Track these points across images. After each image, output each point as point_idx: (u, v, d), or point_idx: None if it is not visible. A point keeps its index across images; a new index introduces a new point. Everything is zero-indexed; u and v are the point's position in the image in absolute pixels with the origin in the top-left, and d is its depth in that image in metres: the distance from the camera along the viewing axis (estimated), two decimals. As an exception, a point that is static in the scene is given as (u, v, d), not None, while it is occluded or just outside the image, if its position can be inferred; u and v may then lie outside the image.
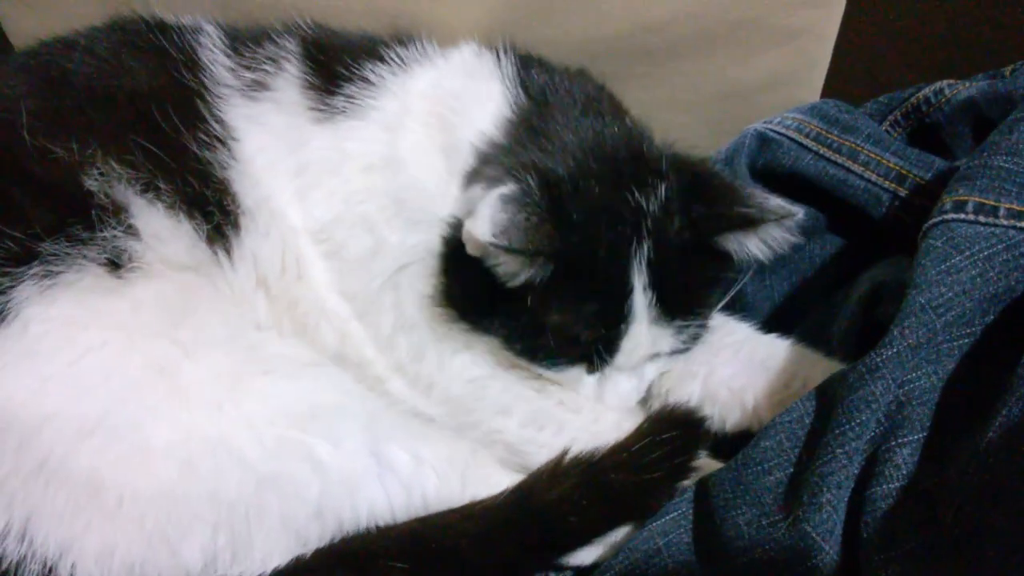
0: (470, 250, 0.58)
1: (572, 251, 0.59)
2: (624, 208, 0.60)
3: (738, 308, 0.73)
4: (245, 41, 0.73)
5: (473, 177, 0.64)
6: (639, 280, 0.61)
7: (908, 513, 0.47)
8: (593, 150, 0.63)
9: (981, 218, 0.51)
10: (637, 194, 0.60)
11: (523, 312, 0.62)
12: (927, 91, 0.75)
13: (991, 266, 0.49)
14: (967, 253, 0.50)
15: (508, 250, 0.57)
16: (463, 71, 0.71)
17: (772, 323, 0.74)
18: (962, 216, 0.52)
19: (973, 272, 0.49)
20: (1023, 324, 0.47)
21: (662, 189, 0.61)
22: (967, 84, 0.74)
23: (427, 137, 0.68)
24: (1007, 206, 0.51)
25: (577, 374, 0.67)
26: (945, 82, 0.75)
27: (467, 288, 0.63)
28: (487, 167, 0.64)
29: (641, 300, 0.62)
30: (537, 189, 0.59)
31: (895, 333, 0.49)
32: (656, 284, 0.62)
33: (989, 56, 0.77)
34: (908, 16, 0.79)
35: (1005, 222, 0.51)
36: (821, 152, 0.72)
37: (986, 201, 0.52)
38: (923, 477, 0.47)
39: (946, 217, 0.52)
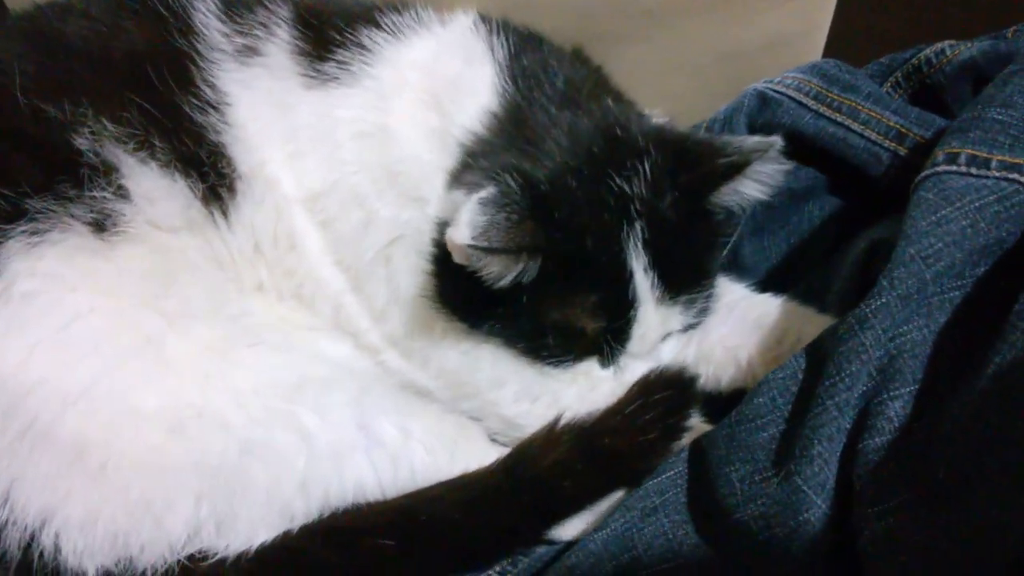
0: (456, 259, 0.58)
1: (559, 246, 0.59)
2: (608, 195, 0.60)
3: (736, 270, 0.72)
4: (239, 6, 0.72)
5: (457, 178, 0.64)
6: (638, 263, 0.61)
7: (901, 466, 0.47)
8: (572, 143, 0.63)
9: (973, 170, 0.51)
10: (618, 179, 0.61)
11: (520, 313, 0.62)
12: (928, 52, 0.74)
13: (982, 217, 0.49)
14: (958, 204, 0.49)
15: (489, 250, 0.57)
16: (460, 53, 0.69)
17: (770, 285, 0.74)
18: (954, 168, 0.51)
19: (964, 223, 0.49)
20: (1013, 275, 0.46)
21: (645, 168, 0.61)
22: (969, 45, 0.73)
23: (422, 116, 0.68)
24: (999, 158, 0.50)
25: (588, 368, 0.66)
26: (947, 43, 0.74)
27: (461, 291, 0.63)
28: (469, 172, 0.63)
29: (644, 282, 0.62)
30: (517, 189, 0.59)
31: (884, 283, 0.48)
32: (656, 263, 0.61)
33: (992, 17, 0.76)
34: None
35: (997, 174, 0.50)
36: (820, 111, 0.71)
37: (978, 153, 0.51)
38: (916, 429, 0.47)
39: (938, 169, 0.52)
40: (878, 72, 0.77)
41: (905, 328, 0.48)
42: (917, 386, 0.48)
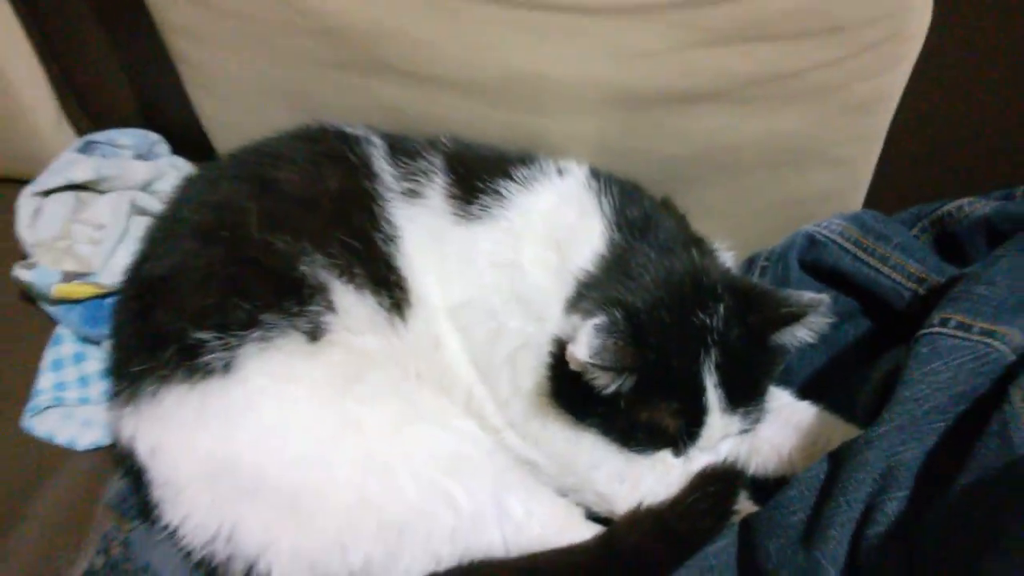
0: (573, 367, 0.74)
1: (652, 365, 0.75)
2: (691, 328, 0.77)
3: (785, 372, 0.89)
4: (401, 154, 0.91)
5: (573, 304, 0.81)
6: (710, 381, 0.77)
7: (893, 550, 0.63)
8: (666, 284, 0.80)
9: (959, 333, 0.68)
10: (700, 315, 0.77)
11: (617, 413, 0.79)
12: (950, 206, 0.91)
13: (961, 371, 0.65)
14: (945, 360, 0.66)
15: (602, 368, 0.73)
16: (576, 206, 0.87)
17: (810, 388, 0.90)
18: (945, 330, 0.68)
19: (948, 375, 0.65)
20: (983, 415, 0.62)
21: (720, 309, 0.77)
22: (983, 202, 0.89)
23: (545, 254, 0.86)
24: (980, 324, 0.67)
25: (664, 457, 0.82)
26: (965, 200, 0.90)
27: (571, 391, 0.79)
28: (583, 300, 0.80)
29: (713, 396, 0.77)
30: (621, 319, 0.75)
31: (885, 416, 0.66)
32: (724, 383, 0.77)
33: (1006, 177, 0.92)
34: (933, 147, 0.96)
35: (976, 337, 0.67)
36: (857, 255, 0.89)
37: (965, 320, 0.68)
38: (906, 522, 0.63)
39: (933, 330, 0.69)
40: (909, 219, 0.94)
41: (901, 449, 0.65)
42: (908, 492, 0.64)
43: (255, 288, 0.81)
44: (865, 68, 0.83)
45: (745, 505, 0.78)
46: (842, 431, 0.77)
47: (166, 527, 0.81)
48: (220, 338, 0.78)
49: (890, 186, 0.98)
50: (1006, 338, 0.67)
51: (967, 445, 0.63)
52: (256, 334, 0.79)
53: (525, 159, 0.92)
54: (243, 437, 0.78)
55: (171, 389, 0.79)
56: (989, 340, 0.67)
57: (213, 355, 0.78)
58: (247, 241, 0.83)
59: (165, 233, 0.89)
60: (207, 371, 0.78)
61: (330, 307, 0.82)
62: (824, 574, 0.65)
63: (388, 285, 0.85)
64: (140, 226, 1.09)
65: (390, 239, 0.87)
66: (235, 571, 0.78)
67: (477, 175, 0.89)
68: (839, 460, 0.68)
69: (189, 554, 0.81)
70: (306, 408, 0.79)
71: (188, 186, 0.95)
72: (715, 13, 0.79)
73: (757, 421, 0.81)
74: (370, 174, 0.89)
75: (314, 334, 0.81)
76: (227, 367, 0.78)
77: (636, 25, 0.83)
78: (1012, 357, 0.66)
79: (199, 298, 0.81)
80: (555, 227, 0.86)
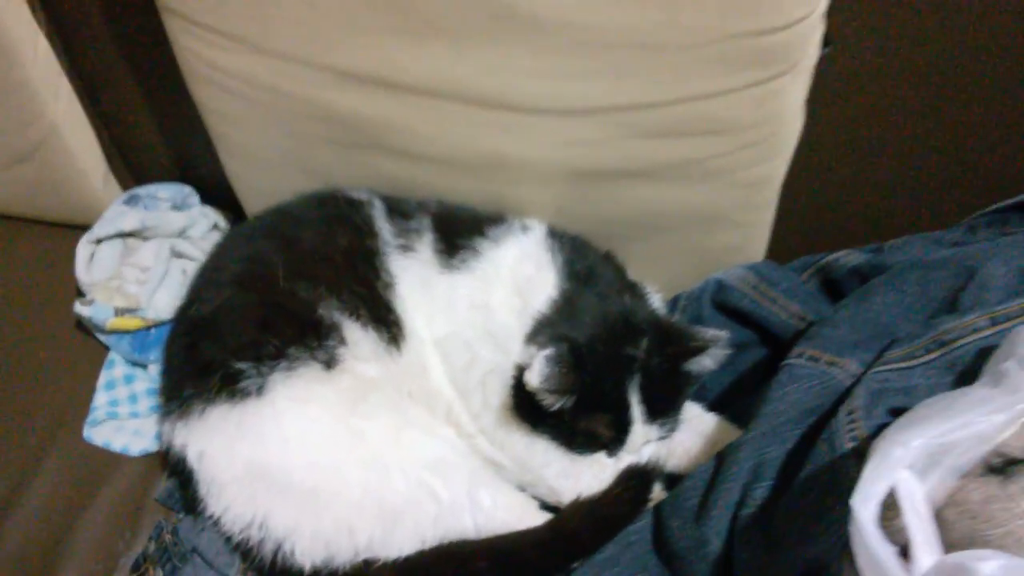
0: (528, 388, 0.87)
1: (590, 387, 0.88)
2: (620, 357, 0.91)
3: (699, 392, 1.05)
4: (397, 215, 1.04)
5: (531, 339, 0.95)
6: (634, 399, 0.91)
7: (758, 524, 0.80)
8: (602, 323, 0.94)
9: (809, 363, 0.84)
10: (629, 348, 0.91)
11: (562, 423, 0.92)
12: (830, 258, 1.08)
13: (808, 391, 0.82)
14: (796, 384, 0.83)
15: (549, 392, 0.87)
16: (534, 260, 1.01)
17: (720, 402, 1.05)
18: (800, 361, 0.85)
19: (799, 395, 0.82)
20: (822, 426, 0.78)
21: (644, 342, 0.92)
22: (856, 254, 1.07)
23: (509, 299, 0.99)
24: (826, 357, 0.84)
25: (599, 458, 0.95)
26: (843, 252, 1.08)
27: (527, 406, 0.92)
28: (539, 335, 0.94)
29: (637, 411, 0.91)
30: (567, 351, 0.87)
31: (753, 425, 0.82)
32: (645, 400, 0.91)
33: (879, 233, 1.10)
34: (820, 209, 1.15)
35: (823, 367, 0.84)
36: (754, 297, 1.06)
37: (815, 353, 0.85)
38: (768, 504, 0.80)
39: (791, 360, 0.86)
40: (799, 266, 1.12)
41: (767, 449, 0.82)
42: (772, 481, 0.80)
43: (282, 327, 0.95)
44: (752, 158, 0.97)
45: (658, 493, 0.95)
46: (733, 435, 0.92)
47: (210, 517, 0.94)
48: (255, 367, 0.92)
49: (787, 240, 1.15)
50: (845, 368, 0.84)
51: (808, 448, 0.79)
52: (283, 364, 0.93)
53: (496, 219, 1.05)
54: (272, 446, 0.91)
55: (216, 408, 0.92)
56: (831, 369, 0.84)
57: (249, 381, 0.92)
58: (275, 289, 0.97)
59: (208, 281, 1.03)
60: (244, 394, 0.92)
61: (342, 341, 0.96)
62: (710, 543, 0.82)
63: (387, 323, 0.99)
64: (178, 267, 1.24)
65: (388, 285, 1.00)
66: (266, 552, 0.91)
67: (458, 234, 1.03)
68: (722, 458, 0.85)
69: (229, 539, 0.94)
70: (322, 422, 0.93)
71: (226, 242, 1.11)
72: (640, 116, 0.93)
73: (672, 430, 0.96)
74: (372, 233, 1.02)
75: (329, 363, 0.95)
76: (260, 390, 0.92)
77: (581, 122, 0.96)
78: (848, 382, 0.82)
79: (238, 335, 0.95)
80: (518, 277, 1.00)
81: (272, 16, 0.95)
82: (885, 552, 0.60)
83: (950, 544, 0.67)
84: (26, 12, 1.16)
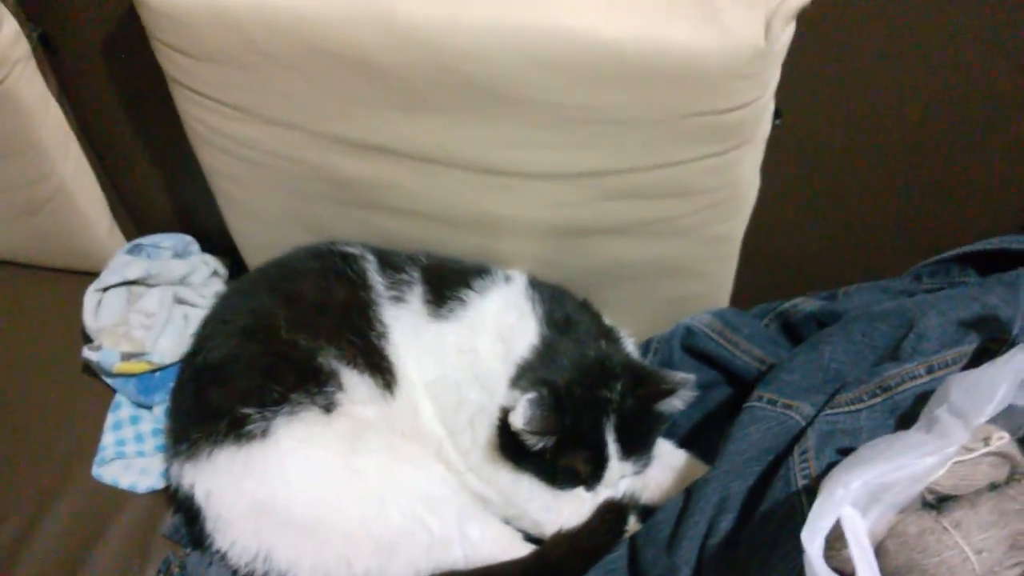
0: (513, 429, 0.92)
1: (569, 428, 0.94)
2: (597, 399, 0.97)
3: (670, 429, 1.13)
4: (389, 268, 1.10)
5: (514, 382, 1.00)
6: (610, 437, 0.97)
7: (723, 554, 0.87)
8: (580, 367, 1.00)
9: (768, 406, 0.92)
10: (604, 390, 0.97)
11: (544, 461, 0.97)
12: (788, 304, 1.17)
13: (768, 432, 0.89)
14: (756, 425, 0.91)
15: (532, 432, 0.92)
16: (516, 309, 1.06)
17: (689, 439, 1.12)
18: (760, 404, 0.93)
19: (759, 436, 0.90)
20: (779, 465, 0.86)
21: (618, 385, 0.98)
22: (812, 301, 1.16)
23: (494, 345, 1.05)
24: (783, 400, 0.92)
25: (579, 493, 1.01)
26: (800, 298, 1.17)
27: (512, 445, 0.98)
28: (522, 379, 1.00)
29: (613, 448, 0.98)
30: (548, 395, 0.93)
31: (717, 463, 0.90)
32: (620, 439, 0.98)
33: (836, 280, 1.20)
34: (779, 261, 1.24)
35: (780, 409, 0.92)
36: (719, 341, 1.14)
37: (773, 396, 0.93)
38: (732, 535, 0.87)
39: (752, 404, 0.93)
40: (760, 312, 1.21)
41: (731, 485, 0.89)
42: (735, 514, 0.86)
43: (285, 375, 1.00)
44: (714, 217, 1.05)
45: (633, 525, 1.02)
46: (702, 471, 0.99)
47: (217, 551, 0.99)
48: (260, 412, 0.98)
49: (748, 288, 1.23)
50: (799, 410, 0.92)
51: (767, 485, 0.87)
52: (286, 409, 0.98)
53: (481, 271, 1.11)
54: (276, 484, 0.96)
55: (223, 450, 0.98)
56: (788, 412, 0.92)
57: (255, 424, 0.97)
58: (278, 339, 1.03)
59: (215, 331, 1.08)
60: (250, 436, 0.97)
61: (340, 387, 1.02)
62: (680, 571, 0.89)
63: (381, 369, 1.05)
64: (180, 313, 1.31)
65: (381, 335, 1.06)
66: None
67: (445, 285, 1.09)
68: (691, 492, 0.93)
69: (235, 572, 0.99)
70: (322, 461, 0.98)
71: (230, 294, 1.18)
72: (613, 180, 1.00)
73: (645, 465, 1.02)
74: (366, 286, 1.08)
75: (328, 408, 1.00)
76: (264, 433, 0.97)
77: (561, 185, 1.03)
78: (802, 423, 0.90)
79: (244, 382, 1.00)
80: (501, 325, 1.06)
81: (272, 91, 1.02)
82: (830, 579, 0.69)
83: (890, 572, 0.77)
84: (39, 78, 1.23)
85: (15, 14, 1.16)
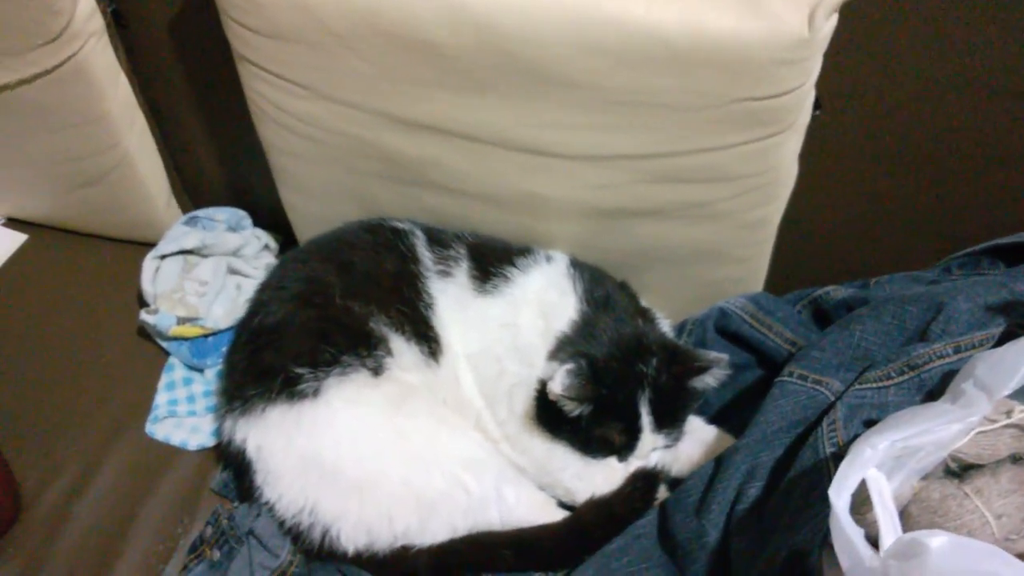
0: (551, 397, 0.96)
1: (605, 398, 0.98)
2: (633, 373, 1.00)
3: (703, 406, 1.16)
4: (437, 244, 1.15)
5: (553, 355, 1.05)
6: (644, 410, 1.01)
7: (751, 518, 0.91)
8: (617, 343, 1.04)
9: (798, 381, 0.96)
10: (641, 365, 1.01)
11: (579, 430, 1.01)
12: (820, 292, 1.20)
13: (797, 404, 0.93)
14: (787, 398, 0.94)
15: (570, 399, 0.96)
16: (557, 287, 1.11)
17: (721, 416, 1.15)
18: (791, 379, 0.96)
19: (788, 408, 0.93)
20: (807, 435, 0.90)
21: (654, 361, 1.01)
22: (843, 289, 1.19)
23: (535, 321, 1.09)
24: (813, 376, 0.96)
25: (611, 462, 1.04)
26: (832, 286, 1.20)
27: (548, 415, 1.02)
28: (560, 352, 1.04)
29: (646, 421, 1.01)
30: (586, 366, 0.97)
31: (747, 433, 0.94)
32: (654, 412, 1.01)
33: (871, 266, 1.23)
34: (814, 248, 1.28)
35: (810, 385, 0.95)
36: (752, 324, 1.17)
37: (804, 372, 0.97)
38: (760, 501, 0.91)
39: (783, 378, 0.97)
40: (793, 298, 1.23)
41: (760, 454, 0.93)
42: (764, 482, 0.90)
43: (338, 338, 1.05)
44: (752, 202, 1.08)
45: (663, 494, 1.06)
46: (730, 444, 1.04)
47: (265, 504, 1.04)
48: (312, 372, 1.03)
49: (783, 273, 1.27)
50: (829, 386, 0.96)
51: (795, 454, 0.91)
52: (337, 370, 1.03)
53: (524, 250, 1.17)
54: (325, 441, 1.01)
55: (276, 407, 1.03)
56: (817, 387, 0.96)
57: (307, 384, 1.02)
58: (332, 305, 1.08)
59: (271, 297, 1.13)
60: (302, 395, 1.02)
61: (388, 352, 1.07)
62: (708, 535, 0.93)
63: (427, 338, 1.10)
64: (233, 283, 1.37)
65: (428, 306, 1.11)
66: (315, 536, 1.01)
67: (491, 262, 1.14)
68: (720, 461, 0.97)
69: (282, 523, 1.04)
70: (369, 422, 1.03)
71: (286, 263, 1.23)
72: (655, 164, 1.04)
73: (677, 439, 1.06)
74: (415, 259, 1.14)
75: (377, 371, 1.05)
76: (315, 392, 1.02)
77: (604, 168, 1.06)
78: (831, 398, 0.93)
79: (298, 344, 1.06)
80: (543, 302, 1.11)
81: (336, 69, 1.07)
82: (855, 533, 0.72)
83: (912, 534, 0.80)
84: (110, 52, 1.29)
85: (91, -10, 1.22)
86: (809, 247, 1.26)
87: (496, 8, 0.96)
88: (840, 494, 0.74)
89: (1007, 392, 0.79)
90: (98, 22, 1.24)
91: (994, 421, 0.81)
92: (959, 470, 0.82)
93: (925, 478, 0.82)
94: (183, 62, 1.32)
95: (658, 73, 0.97)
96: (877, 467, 0.77)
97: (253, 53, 1.11)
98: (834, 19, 0.93)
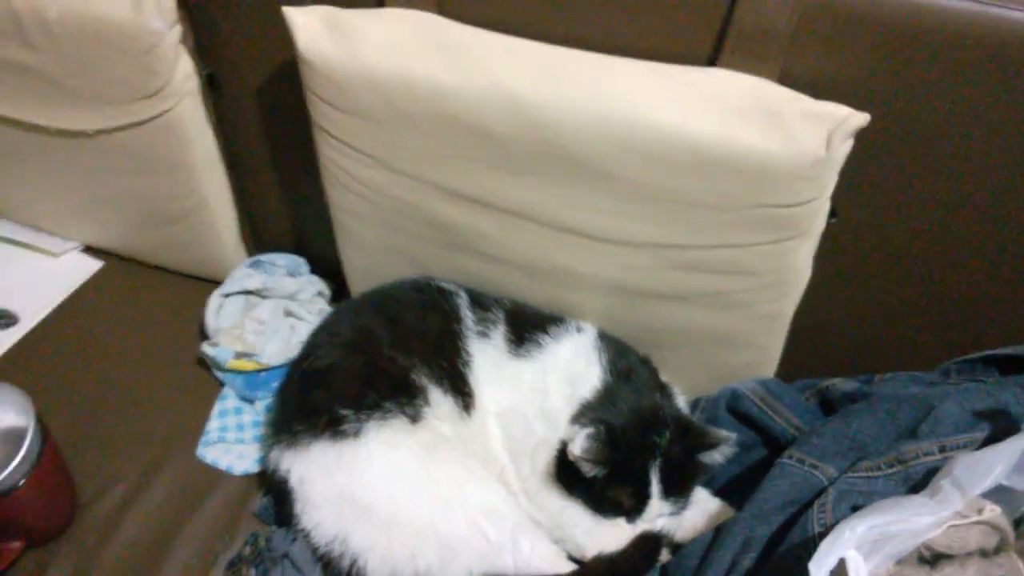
0: (570, 458, 1.01)
1: (620, 463, 1.03)
2: (647, 443, 1.06)
3: (709, 480, 1.23)
4: (478, 307, 1.23)
5: (575, 419, 1.09)
6: (655, 477, 1.05)
7: None
8: (635, 413, 1.09)
9: (797, 464, 1.03)
10: (655, 436, 1.06)
11: (594, 490, 1.06)
12: (826, 383, 1.26)
13: (793, 486, 0.99)
14: (785, 479, 1.01)
15: (587, 460, 1.01)
16: (584, 358, 1.18)
17: (726, 490, 1.19)
18: (790, 462, 1.03)
19: (784, 488, 1.00)
20: (801, 512, 0.97)
21: (667, 433, 1.07)
22: (849, 382, 1.25)
23: (562, 387, 1.15)
24: (810, 460, 1.03)
25: (620, 522, 1.08)
26: (838, 379, 1.27)
27: (567, 474, 1.08)
28: (582, 417, 1.09)
29: (656, 488, 1.06)
30: (604, 432, 1.02)
31: (746, 508, 1.01)
32: (663, 481, 1.06)
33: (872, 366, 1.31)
34: (824, 341, 1.37)
35: (807, 468, 1.02)
36: (761, 407, 1.23)
37: (802, 456, 1.03)
38: (752, 572, 0.98)
39: (783, 460, 1.03)
40: (802, 386, 1.29)
41: (756, 528, 0.99)
42: (756, 554, 0.94)
43: (381, 385, 1.12)
44: (768, 296, 1.14)
45: (665, 556, 1.10)
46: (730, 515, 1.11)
47: (302, 530, 1.10)
48: (355, 414, 1.09)
49: (794, 362, 1.33)
50: (824, 471, 1.01)
51: (789, 530, 0.98)
52: (378, 414, 1.10)
53: (557, 320, 1.23)
54: (362, 479, 1.07)
55: (320, 443, 1.10)
56: (814, 471, 1.03)
57: (349, 424, 1.09)
58: (379, 355, 1.15)
59: (323, 341, 1.22)
60: (344, 434, 1.09)
61: (427, 402, 1.13)
62: None
63: (462, 392, 1.16)
64: (288, 324, 1.46)
65: (466, 363, 1.18)
66: (344, 564, 1.07)
67: (525, 328, 1.21)
68: (719, 531, 1.04)
69: (315, 550, 1.09)
70: (403, 465, 1.09)
71: (340, 312, 1.33)
72: (681, 254, 1.11)
73: (683, 508, 1.11)
74: (457, 319, 1.21)
75: (414, 418, 1.12)
76: (357, 433, 1.09)
77: (630, 251, 1.13)
78: (825, 482, 0.98)
79: (345, 387, 1.13)
80: (570, 370, 1.17)
81: (400, 144, 1.19)
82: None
83: (884, 614, 0.88)
84: (201, 109, 1.42)
85: (191, 55, 1.37)
86: (820, 340, 1.32)
87: (546, 104, 1.08)
88: (819, 569, 0.82)
89: (980, 491, 0.87)
90: (193, 83, 1.37)
91: (966, 517, 0.89)
92: (931, 558, 0.90)
93: (900, 563, 0.90)
94: (265, 123, 1.44)
95: (688, 175, 1.07)
96: (856, 548, 0.86)
97: (330, 124, 1.23)
98: (850, 142, 1.03)
